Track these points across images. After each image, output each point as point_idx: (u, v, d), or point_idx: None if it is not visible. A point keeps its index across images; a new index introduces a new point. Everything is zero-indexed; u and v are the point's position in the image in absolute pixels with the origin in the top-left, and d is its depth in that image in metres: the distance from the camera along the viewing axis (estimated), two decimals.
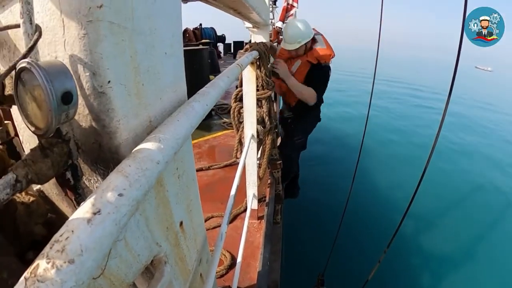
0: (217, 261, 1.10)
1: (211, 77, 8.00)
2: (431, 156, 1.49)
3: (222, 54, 15.20)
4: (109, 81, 0.52)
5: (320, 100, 3.52)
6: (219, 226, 2.78)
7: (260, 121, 2.65)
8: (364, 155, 9.55)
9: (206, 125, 5.54)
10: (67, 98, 0.46)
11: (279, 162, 2.82)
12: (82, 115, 0.57)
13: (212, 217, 2.89)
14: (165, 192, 0.74)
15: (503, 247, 7.23)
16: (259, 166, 2.71)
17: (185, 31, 12.39)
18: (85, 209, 0.38)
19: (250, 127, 2.38)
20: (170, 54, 0.73)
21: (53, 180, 0.69)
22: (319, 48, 3.26)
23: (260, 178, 2.67)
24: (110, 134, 0.56)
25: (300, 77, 3.40)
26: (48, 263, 0.32)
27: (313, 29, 3.46)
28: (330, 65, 3.44)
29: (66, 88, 0.46)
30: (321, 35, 3.44)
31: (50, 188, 0.79)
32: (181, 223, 0.87)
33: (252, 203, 2.59)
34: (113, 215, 0.39)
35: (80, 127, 0.59)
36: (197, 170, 3.70)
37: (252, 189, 2.59)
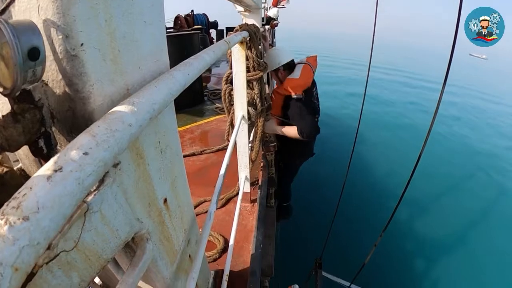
0: (205, 241, 1.09)
1: None
2: (425, 143, 1.48)
3: (214, 40, 15.04)
4: (82, 44, 0.51)
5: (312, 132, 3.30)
6: None
7: (251, 103, 2.62)
8: (360, 142, 9.58)
9: (198, 110, 5.50)
10: (34, 54, 0.45)
11: (273, 144, 2.80)
12: (56, 81, 0.55)
13: (205, 201, 2.88)
14: (146, 165, 0.72)
15: (496, 232, 7.36)
16: (251, 149, 2.70)
17: (177, 17, 12.19)
18: (46, 167, 0.36)
19: (240, 108, 2.36)
20: (149, 23, 0.70)
21: (33, 158, 0.68)
22: (290, 78, 3.20)
23: (252, 161, 2.65)
24: (83, 99, 0.54)
25: (277, 110, 3.35)
26: (1, 219, 0.30)
27: (310, 57, 3.44)
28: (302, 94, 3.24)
29: (33, 44, 0.45)
30: (306, 64, 3.35)
31: (30, 165, 0.76)
32: (165, 200, 0.85)
33: (244, 186, 2.58)
34: (76, 173, 0.37)
35: (54, 94, 0.57)
36: (190, 155, 3.70)
37: (244, 172, 2.57)
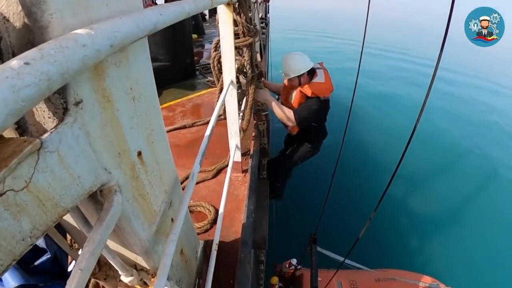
0: (187, 201, 1.04)
1: (194, 36, 7.76)
2: (419, 119, 1.42)
3: (207, 17, 14.74)
4: None
5: (319, 133, 3.70)
6: (204, 181, 2.76)
7: (241, 70, 2.55)
8: (354, 118, 9.55)
9: (190, 84, 5.43)
10: None
11: (265, 113, 2.74)
12: (16, 14, 0.50)
13: None
14: (114, 111, 0.66)
15: (488, 209, 7.45)
16: (242, 118, 2.64)
17: None
18: None
19: (228, 73, 2.29)
20: None
21: None
22: (316, 81, 3.36)
23: (243, 130, 2.60)
24: (41, 29, 0.50)
25: (294, 106, 3.56)
26: None
27: (319, 63, 3.63)
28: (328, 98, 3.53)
29: None
30: (324, 69, 3.56)
31: None
32: (139, 153, 0.80)
33: (235, 155, 2.53)
34: (11, 80, 0.34)
35: (14, 29, 0.51)
36: (181, 128, 3.65)
37: (234, 140, 2.52)
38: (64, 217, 0.93)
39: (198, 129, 3.65)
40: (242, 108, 2.77)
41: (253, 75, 2.55)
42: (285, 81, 3.68)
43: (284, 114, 3.16)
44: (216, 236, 1.76)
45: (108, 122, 0.65)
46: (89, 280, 1.91)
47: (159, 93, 4.87)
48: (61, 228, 1.00)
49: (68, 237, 1.06)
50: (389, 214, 6.87)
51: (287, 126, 3.68)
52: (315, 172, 7.02)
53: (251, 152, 2.83)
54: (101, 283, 1.19)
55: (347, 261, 4.87)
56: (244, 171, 2.71)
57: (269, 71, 8.41)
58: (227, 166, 2.74)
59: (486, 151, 9.45)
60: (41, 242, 0.92)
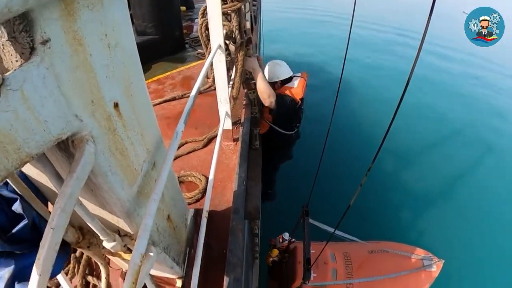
0: (171, 159, 1.00)
1: (182, 8, 7.57)
2: (405, 89, 1.39)
3: None
4: None
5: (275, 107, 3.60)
6: (194, 151, 2.74)
7: (230, 36, 2.48)
8: (344, 92, 9.50)
9: (179, 57, 5.35)
10: None
11: (253, 81, 2.69)
12: None
13: (186, 142, 2.83)
14: (86, 55, 0.63)
15: (481, 182, 7.54)
16: (233, 86, 2.59)
17: None
18: None
19: (216, 37, 2.22)
20: None
21: None
22: (290, 86, 3.65)
23: (234, 98, 2.56)
24: None
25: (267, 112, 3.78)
26: None
27: (302, 73, 3.92)
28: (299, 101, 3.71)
29: None
30: (302, 78, 3.83)
31: None
32: (116, 105, 0.75)
33: (225, 122, 2.49)
34: None
35: None
36: (170, 100, 3.60)
37: (224, 107, 2.48)
38: (41, 180, 0.91)
39: (188, 101, 3.59)
40: (232, 76, 2.71)
41: (242, 41, 2.48)
42: None
43: (267, 88, 3.14)
44: (206, 203, 1.74)
45: (80, 66, 0.62)
46: (81, 258, 1.92)
47: (148, 67, 4.80)
48: (40, 195, 0.97)
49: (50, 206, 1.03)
50: (382, 188, 6.95)
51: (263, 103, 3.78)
52: (306, 144, 7.02)
53: (242, 120, 2.80)
54: (85, 252, 1.17)
55: (340, 233, 4.93)
56: (235, 140, 2.68)
57: (261, 44, 8.27)
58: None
59: (478, 126, 9.50)
60: (18, 208, 0.89)
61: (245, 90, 3.01)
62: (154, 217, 0.86)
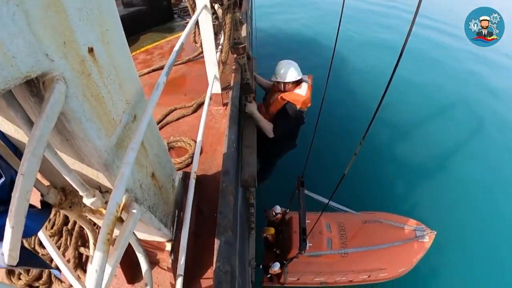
0: (150, 110, 0.98)
1: None
2: (397, 63, 1.39)
3: None
4: None
5: (284, 136, 3.95)
6: (184, 117, 2.74)
7: None
8: (338, 63, 9.42)
9: (167, 28, 5.30)
10: None
11: (242, 45, 2.67)
12: None
13: (176, 109, 2.84)
14: None
15: (474, 156, 7.61)
16: (221, 51, 2.57)
17: None
18: None
19: None
20: None
21: None
22: (298, 92, 3.63)
23: (223, 63, 2.54)
24: None
25: (274, 109, 3.85)
26: None
27: (308, 76, 3.90)
28: (304, 111, 3.85)
29: None
30: (309, 83, 3.83)
31: None
32: (91, 50, 0.76)
33: (214, 85, 2.48)
34: None
35: None
36: (159, 69, 3.60)
37: (212, 70, 2.46)
38: (18, 137, 0.91)
39: (176, 69, 3.58)
40: (221, 41, 2.69)
41: (230, 3, 2.44)
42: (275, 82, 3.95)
43: (267, 127, 3.49)
44: (194, 163, 1.74)
45: (51, 6, 0.61)
46: (73, 230, 1.94)
47: (136, 39, 4.75)
48: (19, 154, 0.97)
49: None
50: (376, 160, 7.01)
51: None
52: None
53: (232, 84, 2.79)
54: (68, 214, 1.17)
55: (335, 204, 5.01)
56: (225, 104, 2.68)
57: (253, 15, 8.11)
58: None
59: (471, 99, 9.50)
60: None
61: (235, 56, 2.99)
62: (132, 167, 0.85)
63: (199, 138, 1.89)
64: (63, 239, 1.89)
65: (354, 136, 6.64)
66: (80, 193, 0.92)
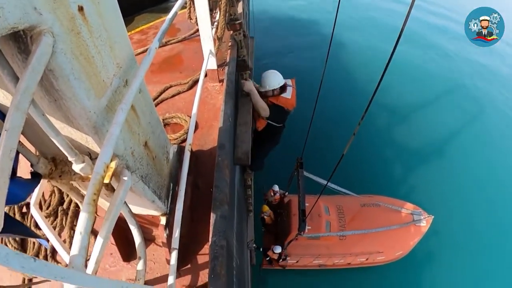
0: (142, 72, 0.99)
1: None
2: (395, 46, 1.40)
3: None
4: None
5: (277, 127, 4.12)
6: (179, 93, 2.75)
7: None
8: (336, 47, 9.35)
9: (163, 8, 5.23)
10: None
11: (238, 21, 2.66)
12: None
13: (171, 86, 2.84)
14: None
15: (471, 141, 7.63)
16: (217, 26, 2.57)
17: None
18: None
19: None
20: None
21: None
22: (284, 97, 3.90)
23: (218, 39, 2.54)
24: None
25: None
26: None
27: (291, 80, 4.13)
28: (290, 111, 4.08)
29: None
30: (293, 87, 4.08)
31: None
32: (81, 8, 0.77)
33: (209, 61, 2.48)
34: None
35: None
36: None
37: (208, 45, 2.45)
38: (7, 104, 0.91)
39: (172, 47, 3.56)
40: (216, 17, 2.68)
41: None
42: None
43: (262, 104, 3.60)
44: (189, 136, 1.75)
45: None
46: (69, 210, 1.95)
47: (131, 20, 4.71)
48: None
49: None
50: (375, 143, 7.04)
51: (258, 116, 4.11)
52: (300, 98, 7.05)
53: (228, 60, 2.79)
54: (59, 185, 1.17)
55: (333, 186, 5.05)
56: (221, 81, 2.67)
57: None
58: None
59: (469, 85, 9.49)
60: None
61: (231, 33, 2.98)
62: (121, 127, 0.86)
63: (194, 111, 1.90)
64: (58, 219, 1.90)
65: (352, 118, 6.66)
66: (69, 158, 0.91)
